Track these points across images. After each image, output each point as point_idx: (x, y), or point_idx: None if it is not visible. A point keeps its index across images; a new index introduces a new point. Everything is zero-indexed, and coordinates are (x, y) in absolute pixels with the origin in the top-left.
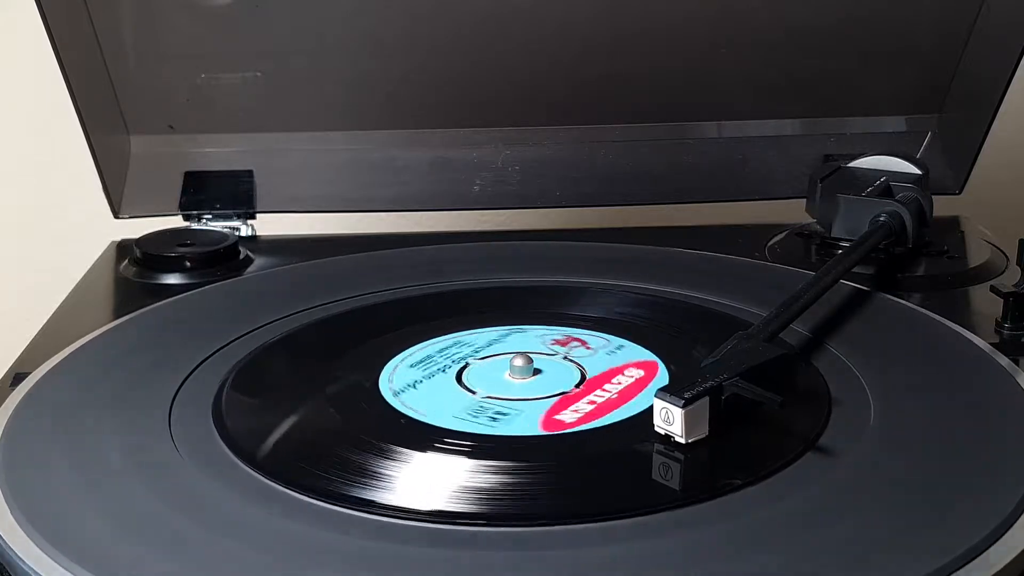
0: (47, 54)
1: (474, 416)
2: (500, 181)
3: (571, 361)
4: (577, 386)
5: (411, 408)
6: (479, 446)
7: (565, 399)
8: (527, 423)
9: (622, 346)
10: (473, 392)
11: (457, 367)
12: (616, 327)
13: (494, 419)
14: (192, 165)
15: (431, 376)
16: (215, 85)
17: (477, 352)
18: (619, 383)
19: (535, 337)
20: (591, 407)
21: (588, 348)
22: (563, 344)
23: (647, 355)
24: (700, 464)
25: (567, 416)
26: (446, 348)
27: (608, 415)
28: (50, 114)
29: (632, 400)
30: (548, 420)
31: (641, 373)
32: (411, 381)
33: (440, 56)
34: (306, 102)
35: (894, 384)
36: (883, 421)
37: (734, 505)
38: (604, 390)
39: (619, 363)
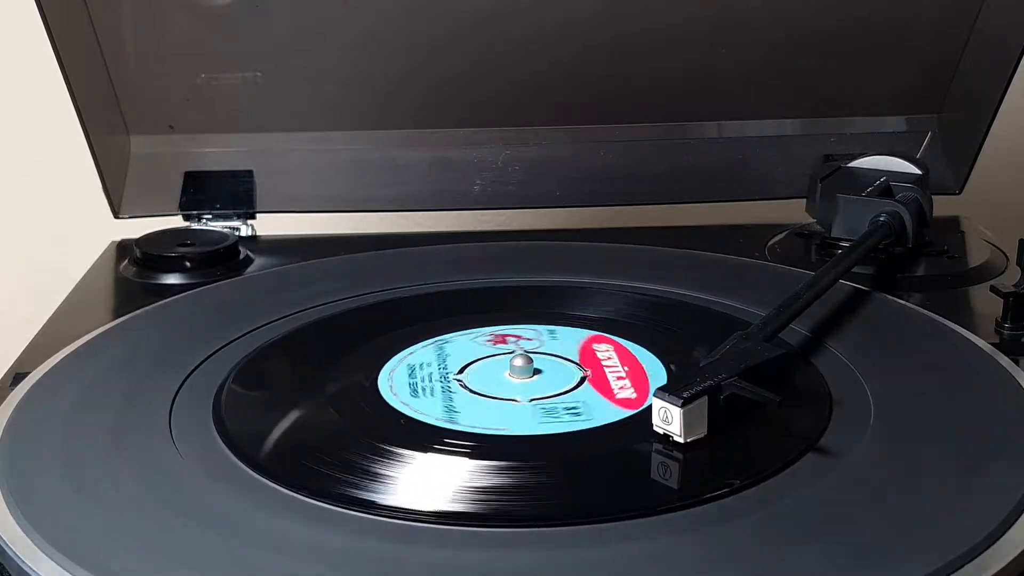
0: (47, 54)
1: (553, 418)
2: (500, 181)
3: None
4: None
5: (480, 427)
6: (478, 446)
7: (594, 383)
8: (603, 409)
9: (554, 331)
10: (513, 400)
11: (450, 382)
12: (616, 327)
13: (575, 414)
14: (192, 165)
15: (450, 398)
16: (215, 85)
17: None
18: (610, 358)
19: (469, 341)
20: (625, 381)
21: (528, 339)
22: (501, 342)
23: (589, 332)
24: (699, 464)
25: (625, 393)
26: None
27: (648, 385)
28: (50, 114)
29: (643, 370)
30: (616, 402)
31: (609, 347)
32: (444, 406)
33: (440, 56)
34: (306, 102)
35: (894, 384)
36: (883, 421)
37: (733, 505)
38: (610, 366)
39: (576, 343)
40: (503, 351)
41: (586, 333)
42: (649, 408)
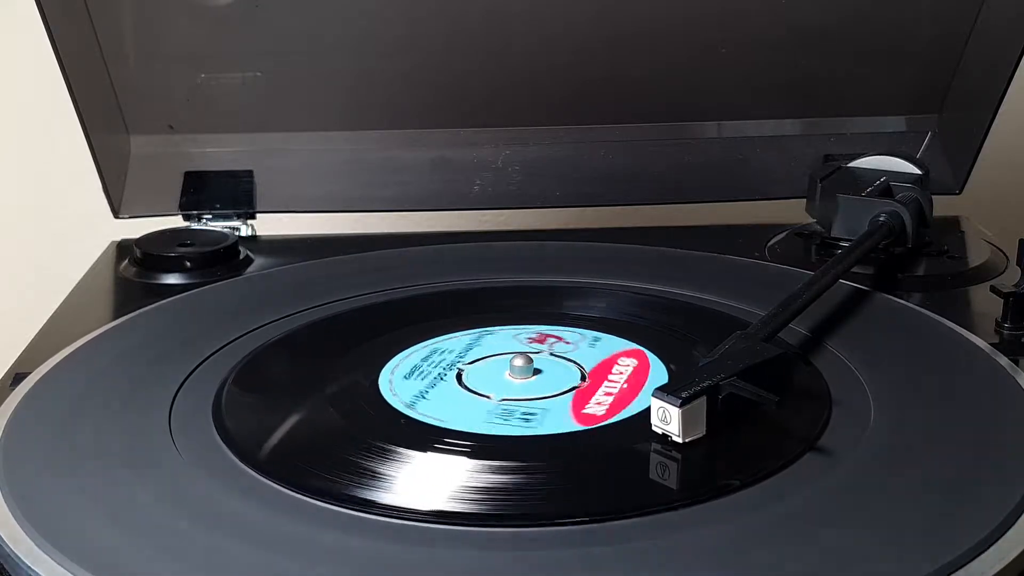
0: (47, 54)
1: (504, 420)
2: (500, 181)
3: (563, 358)
4: (582, 380)
5: (432, 418)
6: (478, 446)
7: (579, 394)
8: (559, 419)
9: (598, 338)
10: (487, 396)
11: (452, 372)
12: (615, 327)
13: (526, 420)
14: (192, 165)
15: (434, 385)
16: (215, 85)
17: (460, 358)
18: (621, 373)
19: (510, 337)
20: (611, 398)
21: (567, 343)
22: (540, 341)
23: (629, 344)
24: (697, 464)
25: (595, 409)
26: (430, 355)
27: (630, 404)
28: (50, 114)
29: (643, 389)
30: (579, 416)
31: (634, 362)
32: (418, 391)
33: (440, 56)
34: (306, 102)
35: (894, 384)
36: (883, 421)
37: (732, 505)
38: (612, 381)
39: (607, 354)
40: (533, 350)
41: (626, 345)
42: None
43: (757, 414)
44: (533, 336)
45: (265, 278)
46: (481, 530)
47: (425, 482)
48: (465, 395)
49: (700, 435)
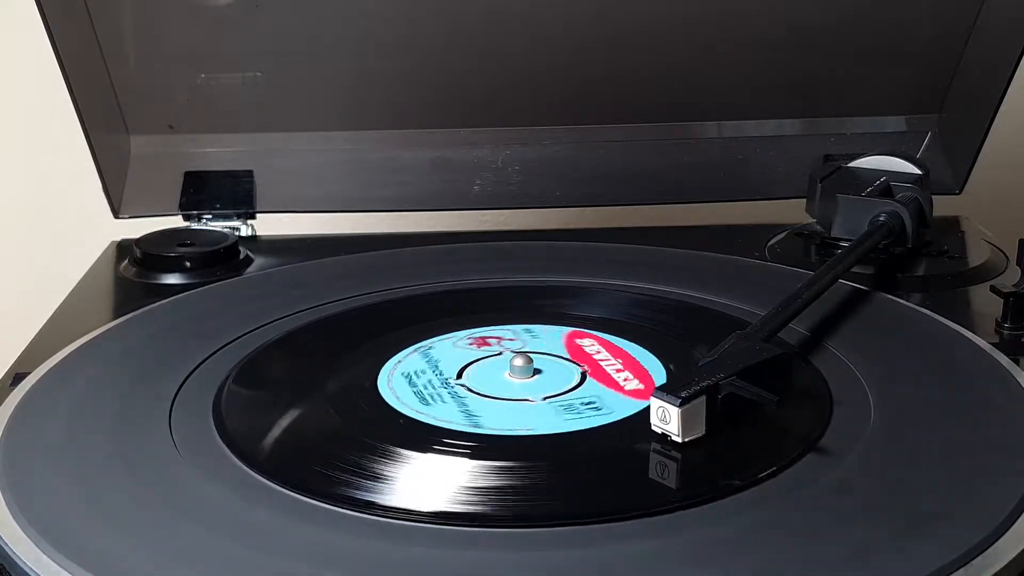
0: (47, 54)
1: (576, 414)
2: (500, 181)
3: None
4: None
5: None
6: (478, 446)
7: (600, 378)
8: (618, 403)
9: (531, 329)
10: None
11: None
12: (616, 327)
13: (597, 409)
14: (192, 165)
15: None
16: (215, 85)
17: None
18: (599, 351)
19: (450, 346)
20: (626, 371)
21: (511, 339)
22: (483, 344)
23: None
24: (697, 464)
25: (632, 385)
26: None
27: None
28: (50, 114)
29: (634, 360)
30: (628, 394)
31: (593, 341)
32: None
33: (440, 56)
34: (306, 102)
35: (894, 384)
36: (883, 421)
37: (732, 505)
38: (604, 360)
39: (562, 341)
40: (489, 353)
41: (564, 330)
42: None
43: (757, 414)
44: (471, 341)
45: (265, 278)
46: (481, 530)
47: (425, 483)
48: (504, 403)
49: (700, 435)
